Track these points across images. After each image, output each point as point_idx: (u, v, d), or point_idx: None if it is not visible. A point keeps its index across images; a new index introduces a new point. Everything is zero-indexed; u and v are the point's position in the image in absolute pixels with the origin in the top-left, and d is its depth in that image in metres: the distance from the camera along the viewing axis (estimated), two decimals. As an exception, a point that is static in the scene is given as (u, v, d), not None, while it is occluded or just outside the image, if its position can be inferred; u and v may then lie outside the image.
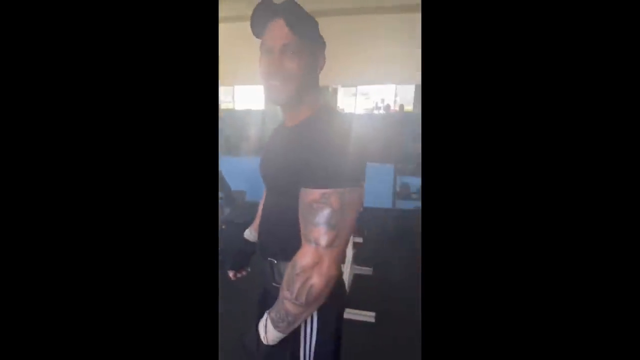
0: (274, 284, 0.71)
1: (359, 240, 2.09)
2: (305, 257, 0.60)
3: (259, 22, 0.65)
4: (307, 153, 0.61)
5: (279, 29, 0.62)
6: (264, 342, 0.65)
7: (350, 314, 1.74)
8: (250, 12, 0.65)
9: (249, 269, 0.97)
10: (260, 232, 0.79)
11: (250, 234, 0.95)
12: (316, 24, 0.66)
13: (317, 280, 0.59)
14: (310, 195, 0.60)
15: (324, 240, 0.59)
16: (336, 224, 0.59)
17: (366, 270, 2.28)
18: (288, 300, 0.61)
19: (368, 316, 1.77)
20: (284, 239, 0.68)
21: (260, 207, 0.87)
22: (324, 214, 0.59)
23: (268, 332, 0.65)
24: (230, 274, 0.95)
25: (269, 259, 0.72)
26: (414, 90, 3.69)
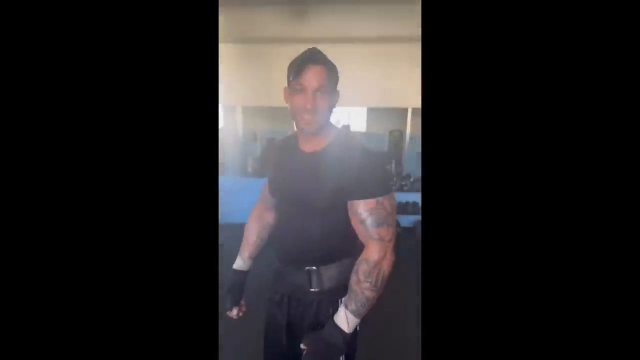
0: (312, 289, 0.89)
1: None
2: (375, 253, 0.79)
3: (300, 65, 0.78)
4: (346, 172, 0.79)
5: (318, 74, 0.78)
6: (347, 331, 0.79)
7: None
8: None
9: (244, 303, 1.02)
10: (287, 249, 0.91)
11: (242, 263, 1.03)
12: (337, 70, 0.84)
13: (386, 268, 0.80)
14: (366, 205, 0.79)
15: (387, 236, 0.79)
16: (392, 222, 0.80)
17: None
18: (368, 289, 0.78)
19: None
20: (324, 248, 0.87)
21: (261, 229, 1.03)
22: (383, 216, 0.79)
23: (350, 321, 0.79)
24: (234, 312, 1.00)
25: (306, 268, 0.88)
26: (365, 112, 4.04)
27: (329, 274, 0.89)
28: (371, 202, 0.79)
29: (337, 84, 0.85)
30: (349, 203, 0.81)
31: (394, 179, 3.54)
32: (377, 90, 3.37)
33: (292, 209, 0.89)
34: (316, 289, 0.89)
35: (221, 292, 0.79)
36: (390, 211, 0.80)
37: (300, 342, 0.84)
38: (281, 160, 0.93)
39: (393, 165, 4.13)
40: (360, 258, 0.82)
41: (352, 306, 0.80)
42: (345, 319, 0.80)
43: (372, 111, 4.08)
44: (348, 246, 0.90)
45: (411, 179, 3.51)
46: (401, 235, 3.21)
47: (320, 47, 0.81)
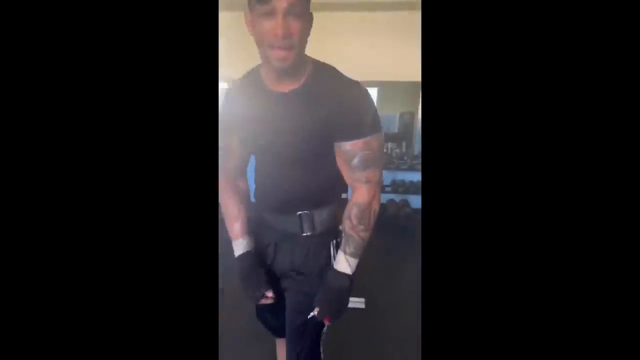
0: (304, 234, 0.83)
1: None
2: (365, 195, 0.76)
3: None
4: (332, 110, 0.69)
5: None
6: (350, 273, 0.79)
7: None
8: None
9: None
10: (276, 198, 0.82)
11: (242, 244, 0.87)
12: None
13: (376, 208, 0.78)
14: (353, 146, 0.72)
15: (375, 178, 0.76)
16: (380, 163, 0.76)
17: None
18: (363, 231, 0.77)
19: (359, 302, 1.84)
20: (315, 193, 0.81)
21: (239, 201, 0.89)
22: (371, 158, 0.73)
23: (351, 264, 0.79)
24: (269, 294, 0.83)
25: (298, 213, 0.82)
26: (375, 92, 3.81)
27: (321, 217, 0.84)
28: (358, 142, 0.72)
29: (309, 4, 0.67)
30: (336, 145, 0.75)
31: (405, 158, 3.35)
32: (387, 63, 3.17)
33: (275, 159, 0.81)
34: (308, 233, 0.84)
35: (221, 279, 0.76)
36: (378, 151, 0.75)
37: (281, 284, 0.88)
38: (251, 108, 0.78)
39: (404, 146, 3.97)
40: (350, 203, 0.79)
41: (351, 249, 0.80)
42: (346, 263, 0.80)
43: (382, 90, 3.86)
44: (339, 187, 0.86)
45: (423, 158, 3.32)
46: (411, 217, 3.06)
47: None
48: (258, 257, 0.88)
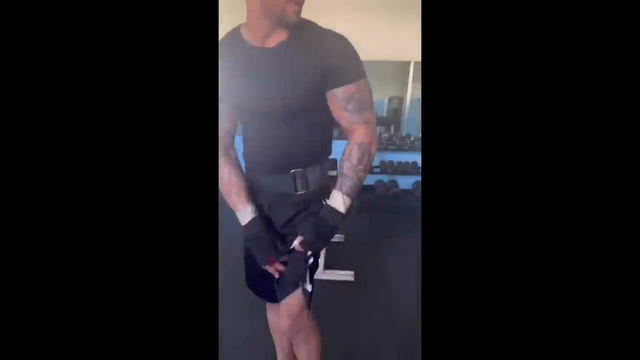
0: (297, 192, 0.84)
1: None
2: (365, 136, 0.79)
3: None
4: (323, 59, 0.71)
5: None
6: (343, 211, 0.81)
7: (331, 275, 1.90)
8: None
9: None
10: (268, 159, 0.83)
11: (248, 211, 0.87)
12: None
13: (374, 149, 0.81)
14: (346, 91, 0.74)
15: (371, 118, 0.79)
16: (372, 106, 0.79)
17: (338, 238, 2.43)
18: (361, 171, 0.80)
19: (347, 275, 1.93)
20: (308, 148, 0.83)
21: (236, 167, 0.89)
22: (364, 100, 0.77)
23: (345, 202, 0.81)
24: (281, 262, 0.88)
25: (292, 171, 0.83)
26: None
27: (314, 175, 0.85)
28: (351, 87, 0.75)
29: None
30: (328, 93, 0.76)
31: (394, 139, 3.41)
32: (377, 42, 3.18)
33: (267, 119, 0.80)
34: (302, 192, 0.85)
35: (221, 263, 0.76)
36: (369, 93, 0.78)
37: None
38: (237, 70, 0.77)
39: (392, 130, 4.03)
40: (350, 144, 0.80)
41: (347, 189, 0.81)
42: (341, 201, 0.81)
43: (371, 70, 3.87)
44: (329, 144, 0.88)
45: (411, 138, 3.38)
46: (399, 196, 3.16)
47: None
48: (264, 222, 0.88)
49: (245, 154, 0.90)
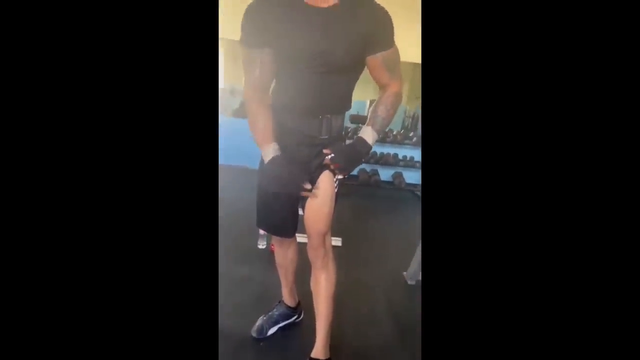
0: (321, 137, 0.98)
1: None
2: (398, 88, 0.98)
3: None
4: (369, 26, 0.85)
5: None
6: (371, 144, 0.98)
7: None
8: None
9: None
10: (303, 104, 0.93)
11: (273, 148, 0.93)
12: None
13: (401, 97, 0.99)
14: (387, 55, 0.91)
15: (401, 75, 0.98)
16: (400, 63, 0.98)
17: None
18: (392, 114, 0.98)
19: (336, 240, 2.10)
20: (339, 99, 0.97)
21: (266, 111, 0.93)
22: (397, 61, 0.95)
23: (373, 137, 0.98)
24: (307, 185, 0.95)
25: (320, 117, 0.96)
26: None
27: (337, 122, 0.99)
28: (390, 51, 0.91)
29: None
30: (371, 57, 0.90)
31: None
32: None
33: (309, 69, 0.87)
34: (325, 136, 0.98)
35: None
36: (399, 55, 0.95)
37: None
38: (287, 21, 0.82)
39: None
40: (387, 93, 0.97)
41: (377, 127, 0.98)
42: (371, 135, 0.98)
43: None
44: (351, 100, 1.01)
45: (394, 133, 3.63)
46: (379, 184, 3.38)
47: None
48: (287, 157, 0.94)
49: (277, 99, 0.97)
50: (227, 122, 3.52)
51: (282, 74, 0.92)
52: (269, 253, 1.88)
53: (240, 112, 3.92)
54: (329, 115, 0.96)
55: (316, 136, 0.97)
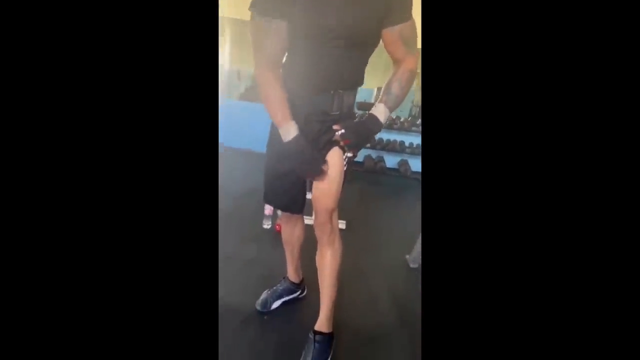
0: (332, 113, 0.96)
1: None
2: (414, 64, 0.95)
3: None
4: (385, 1, 0.83)
5: None
6: (382, 122, 0.95)
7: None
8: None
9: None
10: (314, 77, 0.91)
11: (293, 126, 0.91)
12: None
13: (415, 75, 0.96)
14: (404, 27, 0.89)
15: (417, 51, 0.93)
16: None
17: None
18: (405, 91, 0.95)
19: (341, 223, 2.11)
20: (353, 75, 0.95)
21: (282, 88, 0.91)
22: (414, 35, 0.92)
23: (385, 114, 0.95)
24: (325, 167, 0.94)
25: (332, 92, 0.94)
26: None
27: (349, 99, 0.97)
28: (408, 24, 0.89)
29: None
30: (387, 30, 0.88)
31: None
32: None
33: (325, 43, 0.86)
34: (336, 112, 0.96)
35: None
36: (416, 29, 0.91)
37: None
38: None
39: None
40: (402, 70, 0.94)
41: (389, 104, 0.95)
42: (384, 112, 0.95)
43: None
44: (363, 76, 0.99)
45: (401, 120, 3.60)
46: (385, 171, 3.38)
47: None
48: (306, 137, 0.92)
49: (288, 73, 0.94)
50: (234, 106, 3.53)
51: (295, 47, 0.89)
52: (273, 233, 1.90)
53: (247, 96, 3.91)
54: (341, 91, 0.94)
55: (327, 112, 0.96)
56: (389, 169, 3.51)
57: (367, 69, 1.00)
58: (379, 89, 4.36)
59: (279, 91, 0.89)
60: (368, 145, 3.48)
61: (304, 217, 1.29)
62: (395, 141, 3.53)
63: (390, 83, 0.94)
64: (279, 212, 1.90)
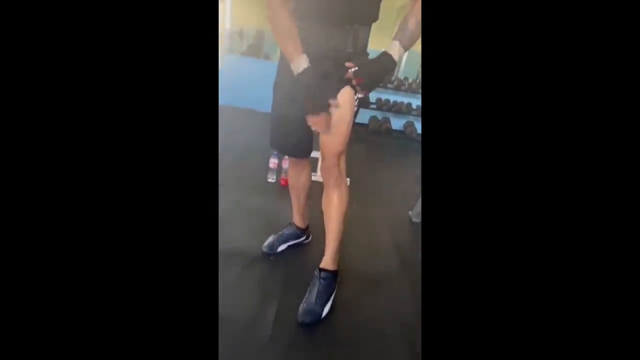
0: (346, 50, 0.92)
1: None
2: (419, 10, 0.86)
3: None
4: None
5: None
6: (396, 59, 0.89)
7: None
8: None
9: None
10: (325, 7, 0.87)
11: (304, 59, 0.88)
12: None
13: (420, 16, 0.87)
14: None
15: None
16: None
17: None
18: (420, 26, 0.86)
19: (345, 180, 2.14)
20: (365, 8, 0.90)
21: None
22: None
23: (400, 53, 0.89)
24: (335, 102, 0.92)
25: (347, 26, 0.89)
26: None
27: (364, 34, 0.93)
28: None
29: None
30: None
31: (392, 80, 3.52)
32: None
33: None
34: (350, 50, 0.92)
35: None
36: None
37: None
38: None
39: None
40: (417, 6, 0.87)
41: (405, 42, 0.89)
42: (397, 50, 0.90)
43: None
44: (378, 7, 0.94)
45: (409, 81, 3.51)
46: (390, 132, 3.35)
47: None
48: (316, 70, 0.89)
49: (299, 7, 0.91)
50: (235, 62, 3.42)
51: None
52: (279, 186, 1.92)
53: (249, 52, 3.80)
54: (356, 26, 0.90)
55: (341, 49, 0.92)
56: (395, 130, 3.47)
57: (374, 31, 0.94)
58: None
59: (291, 23, 0.86)
60: (374, 106, 3.42)
61: (312, 174, 1.30)
62: (402, 103, 3.46)
63: (407, 18, 0.88)
64: (284, 165, 1.91)
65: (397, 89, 3.42)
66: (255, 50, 3.83)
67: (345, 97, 0.94)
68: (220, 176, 1.86)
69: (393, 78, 3.52)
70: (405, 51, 0.90)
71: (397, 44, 0.89)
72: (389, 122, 3.46)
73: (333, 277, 1.12)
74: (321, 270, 1.11)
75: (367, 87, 0.93)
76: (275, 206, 1.69)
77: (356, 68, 0.90)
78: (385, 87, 3.40)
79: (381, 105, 3.44)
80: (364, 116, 3.50)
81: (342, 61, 0.92)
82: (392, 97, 3.51)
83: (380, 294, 1.22)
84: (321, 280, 1.08)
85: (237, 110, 3.34)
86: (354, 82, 0.92)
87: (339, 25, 0.90)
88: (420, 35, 0.87)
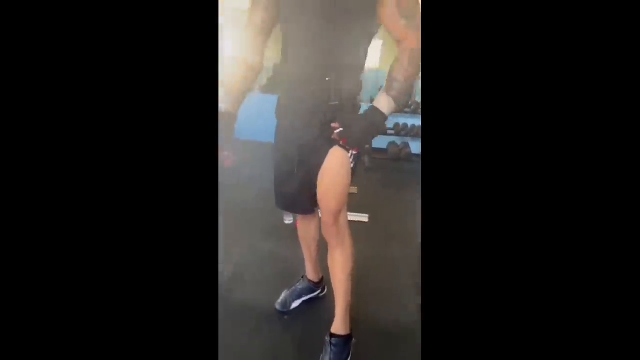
0: (330, 103, 0.88)
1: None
2: (415, 42, 0.81)
3: None
4: None
5: None
6: (386, 114, 0.85)
7: (350, 216, 2.06)
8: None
9: None
10: (310, 58, 0.87)
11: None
12: None
13: (419, 53, 0.82)
14: (400, 2, 0.80)
15: (418, 26, 0.81)
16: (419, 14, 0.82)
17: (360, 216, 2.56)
18: (412, 75, 0.83)
19: (363, 217, 2.08)
20: (348, 56, 0.87)
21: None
22: (416, 7, 0.81)
23: (389, 106, 0.85)
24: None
25: (327, 78, 0.86)
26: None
27: (349, 84, 0.89)
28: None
29: None
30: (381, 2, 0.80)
31: (409, 103, 3.46)
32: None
33: (316, 17, 0.82)
34: (335, 102, 0.89)
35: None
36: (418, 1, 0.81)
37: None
38: None
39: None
40: (403, 50, 0.83)
41: (394, 92, 0.84)
42: (386, 102, 0.85)
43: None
44: (365, 56, 0.91)
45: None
46: (411, 157, 3.25)
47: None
48: (305, 129, 0.92)
49: (281, 70, 0.94)
50: (256, 98, 3.52)
51: (287, 24, 0.87)
52: (295, 227, 1.90)
53: (267, 89, 3.91)
54: (338, 75, 0.86)
55: (324, 102, 0.88)
56: (416, 155, 3.38)
57: (383, 49, 0.91)
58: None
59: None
60: (392, 132, 3.37)
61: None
62: (419, 127, 3.38)
63: (393, 67, 0.84)
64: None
65: (415, 112, 3.36)
66: (273, 86, 3.93)
67: (335, 156, 0.91)
68: (239, 215, 1.88)
69: (410, 102, 3.47)
70: (396, 102, 0.85)
71: (384, 95, 0.85)
72: (409, 146, 3.38)
73: (345, 342, 1.06)
74: (332, 335, 1.05)
75: (356, 145, 0.90)
76: (291, 251, 1.67)
77: (341, 129, 0.87)
78: (402, 111, 3.35)
79: (399, 130, 3.38)
80: (382, 142, 3.44)
81: (330, 116, 0.89)
82: (410, 121, 3.45)
83: (404, 351, 1.14)
84: (332, 347, 1.03)
85: (257, 145, 3.41)
86: (340, 142, 0.89)
87: (320, 76, 0.86)
88: (412, 83, 0.85)
